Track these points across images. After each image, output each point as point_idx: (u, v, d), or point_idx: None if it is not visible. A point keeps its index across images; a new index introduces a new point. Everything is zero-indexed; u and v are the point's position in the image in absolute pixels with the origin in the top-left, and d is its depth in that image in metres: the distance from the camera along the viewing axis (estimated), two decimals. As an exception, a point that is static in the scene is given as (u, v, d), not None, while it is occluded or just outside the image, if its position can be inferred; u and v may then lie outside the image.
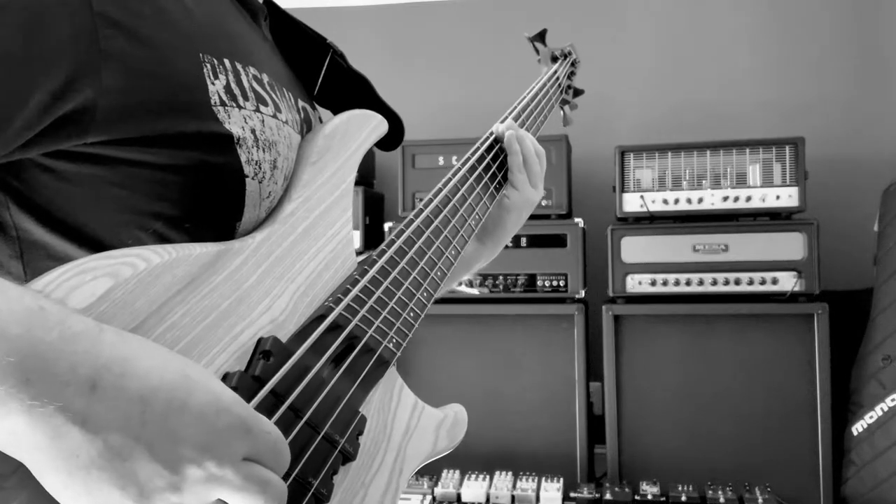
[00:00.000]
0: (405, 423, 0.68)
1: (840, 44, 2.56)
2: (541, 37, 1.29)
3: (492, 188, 0.90)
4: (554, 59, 1.26)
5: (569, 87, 1.27)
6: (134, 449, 0.38)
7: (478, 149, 0.91)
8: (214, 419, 0.40)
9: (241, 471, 0.41)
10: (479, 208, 0.86)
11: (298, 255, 0.64)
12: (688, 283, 2.12)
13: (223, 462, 0.40)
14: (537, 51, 1.29)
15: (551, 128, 1.22)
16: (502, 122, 0.98)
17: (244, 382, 0.53)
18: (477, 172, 0.88)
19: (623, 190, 2.21)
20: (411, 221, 0.76)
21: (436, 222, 0.78)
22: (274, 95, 0.68)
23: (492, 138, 0.94)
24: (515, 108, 1.04)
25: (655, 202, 2.19)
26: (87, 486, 0.38)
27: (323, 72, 0.82)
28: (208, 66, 0.60)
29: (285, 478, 0.53)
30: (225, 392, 0.43)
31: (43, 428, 0.37)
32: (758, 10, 2.62)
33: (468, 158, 0.89)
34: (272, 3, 0.80)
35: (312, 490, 0.55)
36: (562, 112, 1.33)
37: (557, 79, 1.19)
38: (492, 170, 0.92)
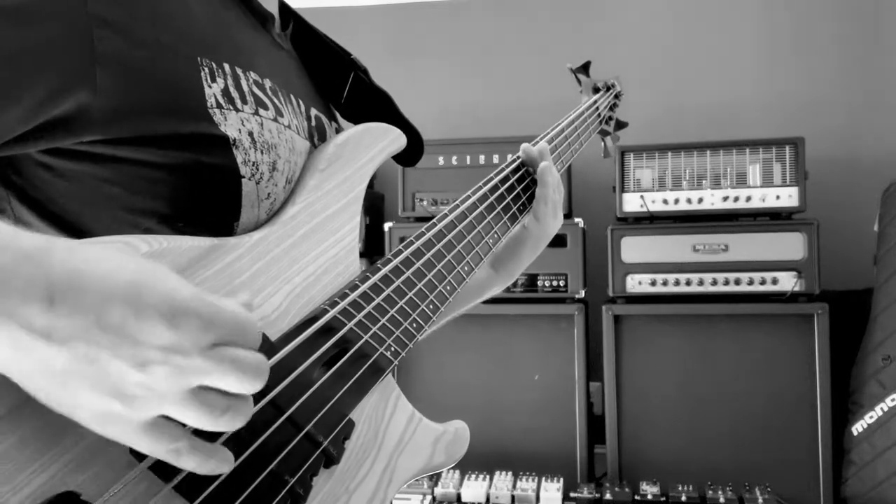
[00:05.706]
0: (399, 433, 0.67)
1: (840, 44, 2.56)
2: (584, 68, 1.29)
3: (514, 209, 0.88)
4: (596, 91, 1.25)
5: (610, 118, 1.25)
6: (99, 354, 0.40)
7: (503, 169, 0.90)
8: (171, 320, 0.41)
9: (211, 357, 0.42)
10: (499, 227, 0.84)
11: (297, 258, 0.64)
12: (688, 283, 2.12)
13: (189, 354, 0.41)
14: (579, 81, 1.28)
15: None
16: (534, 144, 0.94)
17: None
18: (499, 192, 0.86)
19: (623, 190, 2.21)
20: (422, 234, 0.75)
21: (449, 237, 0.77)
22: (276, 100, 0.69)
23: (518, 161, 0.92)
24: (549, 132, 1.00)
25: (655, 202, 2.19)
26: (67, 391, 0.41)
27: (347, 88, 0.83)
28: (206, 69, 0.61)
29: (259, 471, 0.52)
30: (179, 289, 0.42)
31: (11, 344, 0.39)
32: (758, 10, 2.62)
33: (491, 178, 0.87)
34: (299, 16, 0.82)
35: (287, 487, 0.54)
36: (602, 143, 1.33)
37: (597, 109, 1.18)
38: (516, 191, 0.89)
